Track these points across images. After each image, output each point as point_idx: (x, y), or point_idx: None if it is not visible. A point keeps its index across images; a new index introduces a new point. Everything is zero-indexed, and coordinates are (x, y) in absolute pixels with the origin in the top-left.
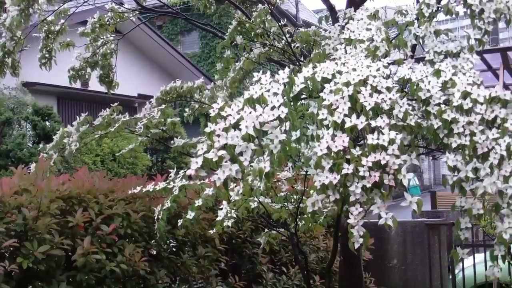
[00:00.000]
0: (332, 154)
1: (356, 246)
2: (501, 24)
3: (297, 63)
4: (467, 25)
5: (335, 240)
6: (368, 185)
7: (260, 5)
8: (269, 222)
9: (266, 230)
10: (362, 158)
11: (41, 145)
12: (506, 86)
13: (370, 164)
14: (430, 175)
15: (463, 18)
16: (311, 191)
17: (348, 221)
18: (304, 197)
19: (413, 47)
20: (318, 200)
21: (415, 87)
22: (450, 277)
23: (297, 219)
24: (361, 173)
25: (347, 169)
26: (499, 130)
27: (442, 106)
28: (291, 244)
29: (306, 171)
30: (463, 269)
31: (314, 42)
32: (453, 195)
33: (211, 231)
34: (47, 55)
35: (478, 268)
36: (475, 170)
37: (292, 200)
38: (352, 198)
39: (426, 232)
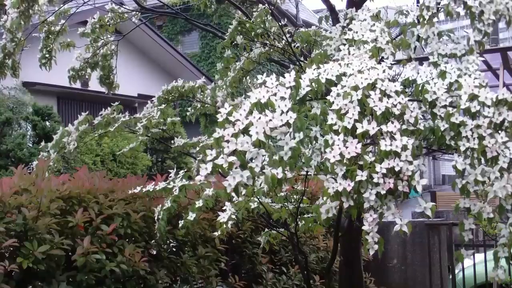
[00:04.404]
0: (345, 161)
1: (372, 252)
2: (501, 24)
3: (297, 63)
4: (467, 25)
5: (335, 240)
6: (383, 192)
7: (260, 5)
8: (269, 222)
9: (266, 230)
10: (376, 164)
11: (42, 144)
12: (506, 86)
13: (384, 171)
14: (430, 175)
15: (463, 18)
16: (324, 198)
17: (363, 227)
18: (304, 197)
19: (414, 47)
20: (332, 207)
21: (420, 88)
22: (450, 277)
23: (297, 219)
24: (375, 180)
25: (361, 176)
26: (508, 133)
27: (449, 108)
28: (291, 244)
29: (307, 171)
30: (463, 269)
31: (314, 42)
32: (453, 195)
33: (215, 233)
34: (47, 56)
35: (478, 268)
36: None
37: (292, 200)
38: (366, 205)
39: (426, 232)
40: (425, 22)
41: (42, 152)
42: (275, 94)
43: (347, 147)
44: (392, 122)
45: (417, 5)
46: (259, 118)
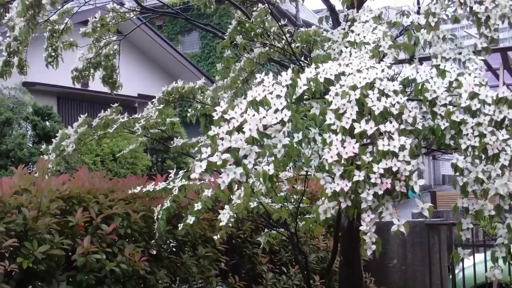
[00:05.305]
0: (342, 161)
1: (369, 252)
2: (501, 24)
3: (297, 63)
4: (467, 24)
5: (335, 240)
6: (380, 192)
7: (260, 5)
8: (269, 222)
9: (266, 230)
10: (373, 165)
11: (43, 146)
12: (506, 86)
13: (381, 171)
14: (430, 175)
15: (463, 18)
16: (322, 198)
17: (360, 228)
18: (304, 197)
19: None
20: (330, 207)
21: (420, 87)
22: (450, 277)
23: (297, 219)
24: (372, 180)
25: (359, 176)
26: (508, 131)
27: (450, 107)
28: (291, 244)
29: (306, 171)
30: (463, 269)
31: (314, 42)
32: (453, 195)
33: (215, 237)
34: (53, 54)
35: (478, 268)
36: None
37: (292, 200)
38: (363, 205)
39: (426, 232)
40: (431, 28)
41: (44, 156)
42: (271, 93)
43: (344, 147)
44: (391, 122)
45: (418, 6)
46: (253, 115)
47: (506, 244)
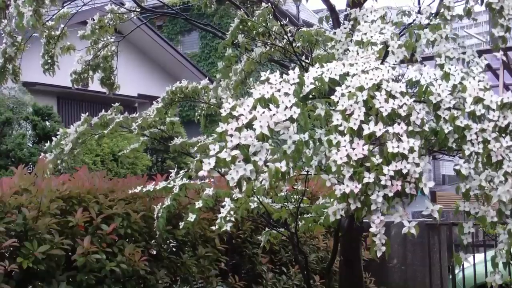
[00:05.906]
0: (352, 162)
1: (379, 254)
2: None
3: (298, 63)
4: (467, 24)
5: (335, 240)
6: (390, 194)
7: (263, 4)
8: (269, 222)
9: (266, 229)
10: (383, 167)
11: (45, 147)
12: (506, 86)
13: (391, 173)
14: (430, 175)
15: (463, 18)
16: (331, 199)
17: (370, 229)
18: (304, 197)
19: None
20: (340, 209)
21: (424, 89)
22: (450, 277)
23: (297, 219)
24: (382, 182)
25: (368, 178)
26: None
27: (454, 111)
28: (291, 244)
29: (307, 171)
30: (463, 269)
31: (316, 41)
32: (453, 195)
33: (212, 228)
34: (49, 61)
35: (478, 268)
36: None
37: (292, 200)
38: (373, 207)
39: (426, 232)
40: (446, 22)
41: (48, 153)
42: (279, 90)
43: (353, 149)
44: (399, 124)
45: (418, 6)
46: (263, 112)
47: (507, 250)
